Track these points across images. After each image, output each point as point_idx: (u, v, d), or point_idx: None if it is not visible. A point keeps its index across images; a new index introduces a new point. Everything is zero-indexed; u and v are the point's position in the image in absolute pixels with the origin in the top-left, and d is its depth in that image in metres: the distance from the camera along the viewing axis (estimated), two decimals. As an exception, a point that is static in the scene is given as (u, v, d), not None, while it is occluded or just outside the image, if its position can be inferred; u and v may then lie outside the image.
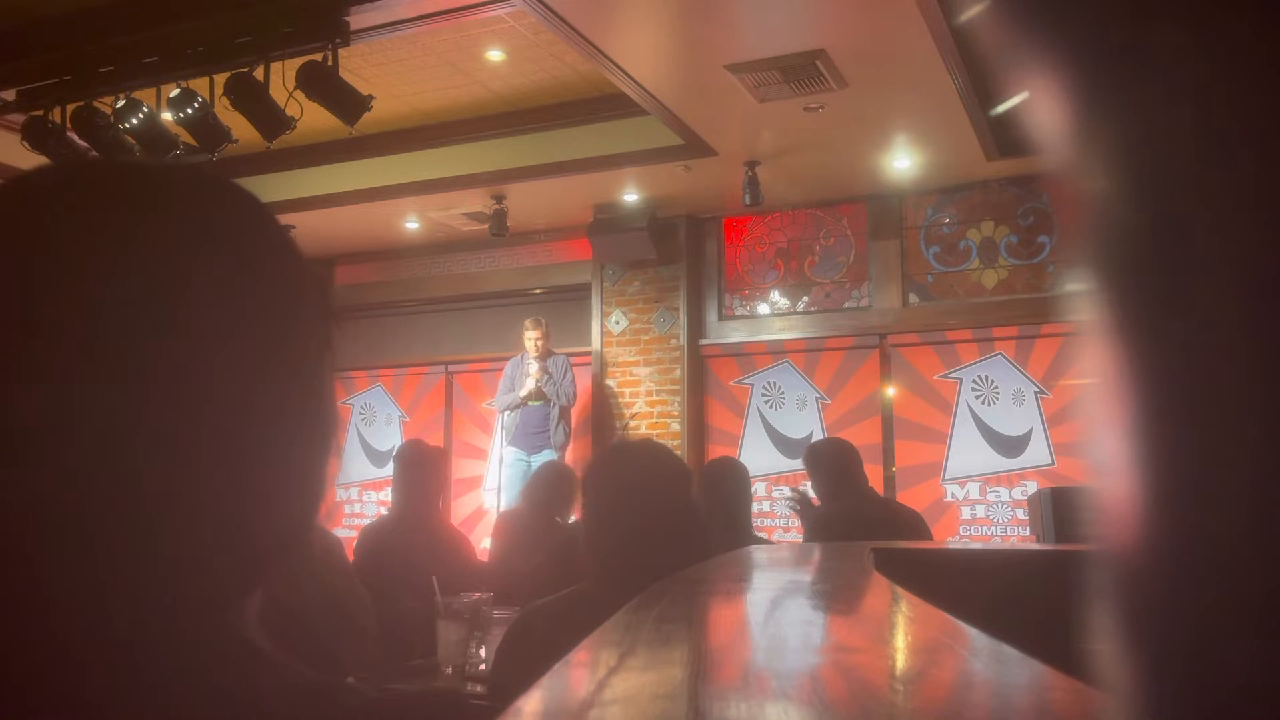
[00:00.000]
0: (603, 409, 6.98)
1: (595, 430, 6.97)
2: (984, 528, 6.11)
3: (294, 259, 0.57)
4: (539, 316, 6.78)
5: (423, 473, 3.43)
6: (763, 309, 6.84)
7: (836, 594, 1.10)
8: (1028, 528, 5.05)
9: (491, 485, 7.23)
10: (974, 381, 6.23)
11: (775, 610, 0.96)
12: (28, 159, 4.84)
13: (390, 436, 7.78)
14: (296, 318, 0.55)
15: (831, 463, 3.74)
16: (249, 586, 0.54)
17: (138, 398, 0.48)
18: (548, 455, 6.54)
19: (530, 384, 6.55)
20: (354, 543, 3.42)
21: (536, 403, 6.61)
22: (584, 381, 7.25)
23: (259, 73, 4.56)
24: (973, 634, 0.65)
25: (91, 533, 0.47)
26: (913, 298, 6.46)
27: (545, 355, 6.68)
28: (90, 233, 0.50)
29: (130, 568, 0.48)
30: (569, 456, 6.74)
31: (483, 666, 2.45)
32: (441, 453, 3.66)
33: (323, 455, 0.56)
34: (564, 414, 6.64)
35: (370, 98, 4.64)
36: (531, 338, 6.64)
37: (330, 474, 0.57)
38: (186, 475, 0.49)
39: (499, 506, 6.54)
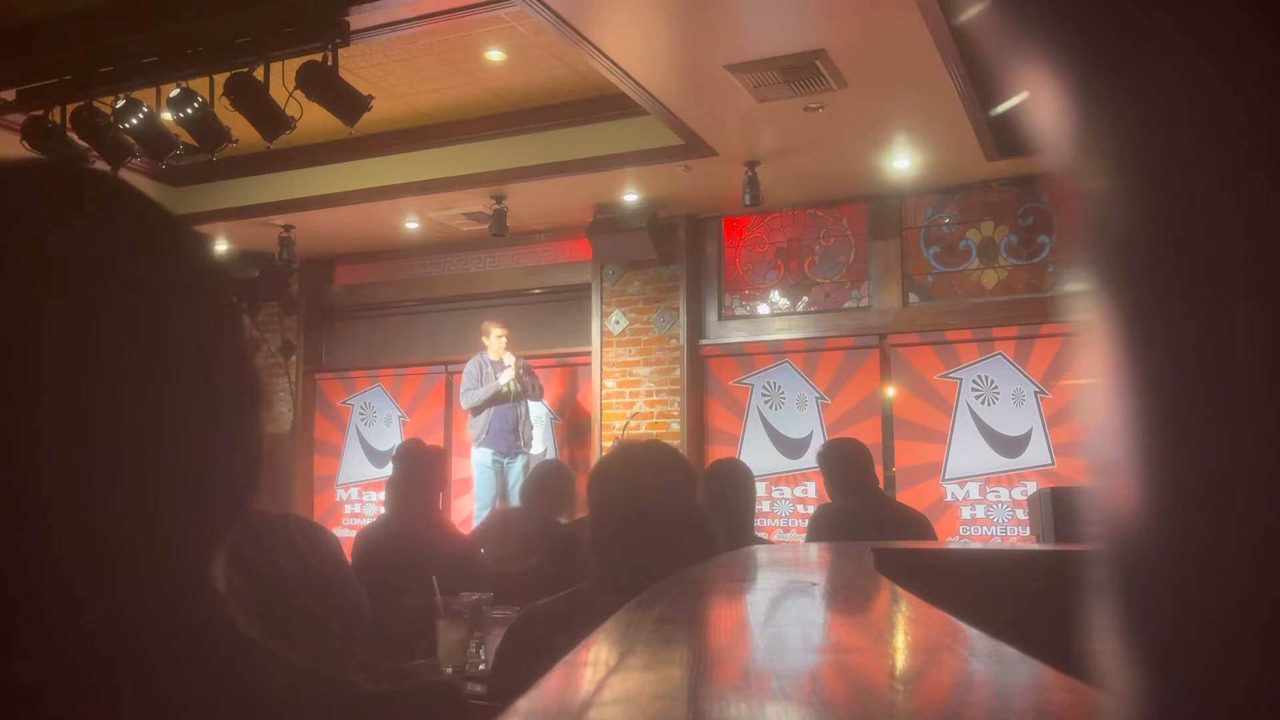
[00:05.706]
0: (601, 410, 6.97)
1: (594, 431, 6.97)
2: (984, 528, 6.10)
3: (168, 225, 0.57)
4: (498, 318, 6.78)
5: (422, 472, 3.43)
6: (763, 309, 6.83)
7: (836, 594, 1.10)
8: (1028, 528, 5.05)
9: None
10: (974, 381, 6.22)
11: (775, 610, 0.96)
12: (28, 159, 4.83)
13: (390, 436, 7.77)
14: (173, 281, 0.56)
15: (843, 463, 3.75)
16: (208, 548, 0.54)
17: (45, 383, 0.48)
18: (522, 457, 6.50)
19: (509, 374, 6.48)
20: (354, 542, 3.42)
21: (508, 400, 6.56)
22: (583, 382, 7.25)
23: (259, 73, 4.56)
24: (973, 634, 0.65)
25: (46, 524, 0.47)
26: (913, 298, 6.46)
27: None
28: None
29: (86, 552, 0.48)
30: (560, 457, 6.72)
31: (483, 666, 2.45)
32: (441, 452, 3.66)
33: (250, 411, 0.57)
34: (528, 413, 6.61)
35: (370, 98, 4.64)
36: (496, 334, 6.62)
37: (263, 431, 0.59)
38: (110, 455, 0.49)
39: (478, 511, 6.47)
